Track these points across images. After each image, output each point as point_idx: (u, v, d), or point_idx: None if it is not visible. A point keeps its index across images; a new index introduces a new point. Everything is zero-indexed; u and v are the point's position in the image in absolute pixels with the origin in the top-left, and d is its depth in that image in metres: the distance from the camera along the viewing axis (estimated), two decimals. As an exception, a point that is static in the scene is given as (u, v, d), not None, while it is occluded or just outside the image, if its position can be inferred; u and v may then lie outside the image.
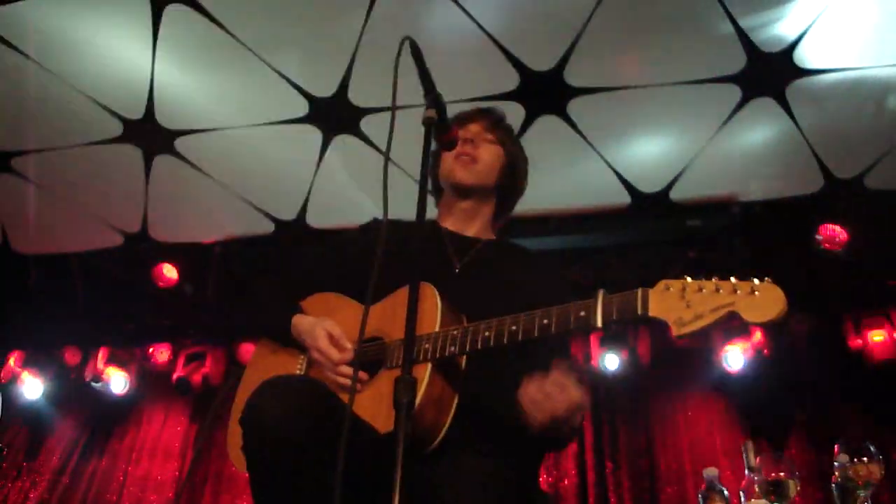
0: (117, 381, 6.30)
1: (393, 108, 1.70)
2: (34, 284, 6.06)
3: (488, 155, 2.29)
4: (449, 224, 2.30)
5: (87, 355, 6.43)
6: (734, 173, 5.11)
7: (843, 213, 5.16)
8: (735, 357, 5.48)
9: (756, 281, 1.55)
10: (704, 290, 1.59)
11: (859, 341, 5.45)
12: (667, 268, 1.51)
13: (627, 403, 5.82)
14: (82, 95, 4.77)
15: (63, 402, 6.51)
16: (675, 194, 5.23)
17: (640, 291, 1.65)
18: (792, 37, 4.25)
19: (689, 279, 1.61)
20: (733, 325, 5.45)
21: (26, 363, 6.33)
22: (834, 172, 5.02)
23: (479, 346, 1.79)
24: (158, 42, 4.45)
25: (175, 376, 6.22)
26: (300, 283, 2.27)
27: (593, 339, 5.77)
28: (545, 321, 1.74)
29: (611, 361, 5.64)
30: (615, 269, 5.28)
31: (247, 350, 5.75)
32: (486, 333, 1.79)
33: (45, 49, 4.52)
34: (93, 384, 6.28)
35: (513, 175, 2.35)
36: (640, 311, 1.63)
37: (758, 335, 5.51)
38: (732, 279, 1.58)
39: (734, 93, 4.58)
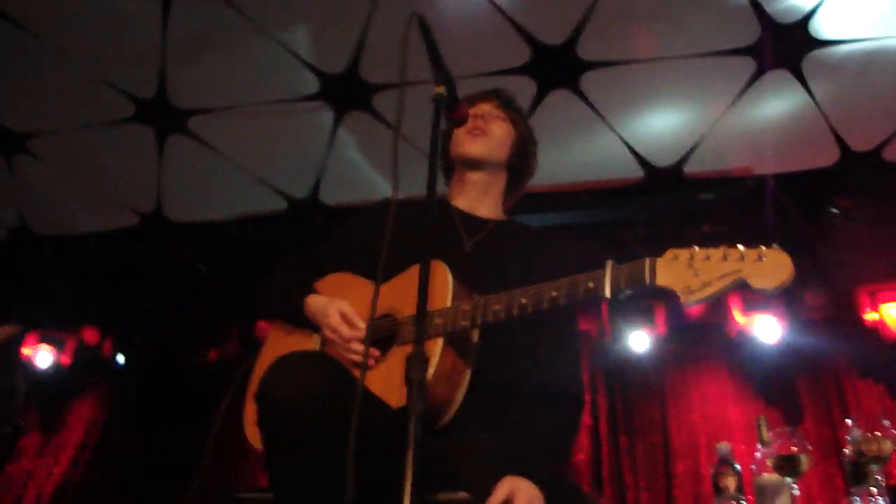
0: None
1: (402, 85, 1.69)
2: (47, 264, 6.12)
3: (499, 130, 2.29)
4: (460, 203, 2.30)
5: (105, 333, 6.51)
6: (749, 147, 5.06)
7: (859, 186, 5.12)
8: (751, 330, 5.48)
9: (763, 247, 1.56)
10: (712, 258, 1.59)
11: (875, 315, 5.43)
12: (680, 242, 1.51)
13: (642, 378, 5.83)
14: (94, 76, 4.78)
15: (82, 379, 6.59)
16: (688, 168, 5.19)
17: (647, 261, 1.66)
18: (808, 7, 4.19)
19: (696, 248, 1.62)
20: (749, 299, 5.44)
21: (41, 342, 6.41)
22: (850, 145, 4.98)
23: (489, 320, 1.80)
24: (169, 21, 4.45)
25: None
26: (314, 263, 2.28)
27: (606, 312, 5.78)
28: (554, 293, 1.75)
29: (626, 336, 5.67)
30: (628, 244, 5.28)
31: (263, 328, 5.79)
32: (497, 307, 1.80)
33: (56, 29, 4.52)
34: (110, 360, 6.37)
35: (523, 154, 2.34)
36: (648, 281, 1.64)
37: (772, 308, 5.50)
38: (740, 247, 1.58)
39: (749, 65, 4.53)
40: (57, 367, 6.43)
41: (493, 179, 2.31)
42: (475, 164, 2.27)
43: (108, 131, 5.20)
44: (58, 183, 5.68)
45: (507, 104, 2.35)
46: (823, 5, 4.15)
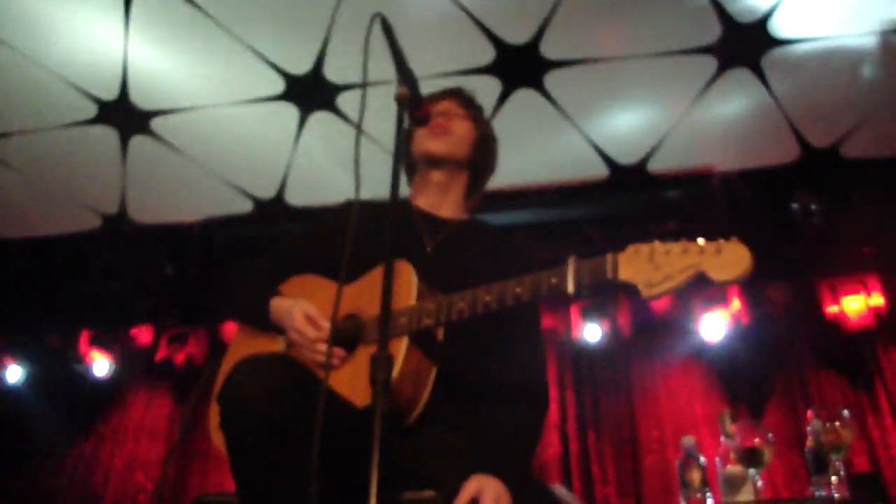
0: (100, 364, 6.31)
1: (364, 86, 1.70)
2: (9, 268, 6.02)
3: (460, 128, 2.29)
4: (422, 203, 2.30)
5: (69, 339, 6.42)
6: (711, 144, 5.14)
7: (818, 181, 5.22)
8: (713, 325, 5.56)
9: (722, 241, 1.59)
10: (672, 252, 1.62)
11: (835, 308, 5.53)
12: (645, 239, 1.53)
13: (608, 373, 5.89)
14: (55, 76, 4.72)
15: (46, 385, 6.50)
16: (652, 166, 5.26)
17: (609, 256, 1.68)
18: (766, 6, 4.26)
19: (657, 242, 1.65)
20: (712, 294, 5.52)
21: (7, 348, 6.31)
22: (810, 142, 5.07)
23: (453, 317, 1.81)
24: (131, 21, 4.41)
25: (157, 357, 6.24)
26: (278, 266, 2.27)
27: (574, 310, 5.82)
28: (518, 289, 1.76)
29: (591, 332, 5.72)
30: (594, 242, 5.32)
31: (229, 330, 5.76)
32: (461, 305, 1.81)
33: (15, 29, 4.46)
34: (75, 367, 6.29)
35: (484, 152, 2.35)
36: (610, 275, 1.66)
37: (736, 303, 5.58)
38: (700, 240, 1.61)
39: (710, 64, 4.60)
40: (27, 375, 6.36)
41: (455, 178, 2.31)
42: (437, 163, 2.28)
43: (70, 133, 5.14)
44: (19, 186, 5.59)
45: (468, 102, 2.36)
46: (782, 5, 4.23)
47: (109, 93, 4.86)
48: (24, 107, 4.95)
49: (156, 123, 5.08)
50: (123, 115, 5.00)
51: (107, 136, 5.17)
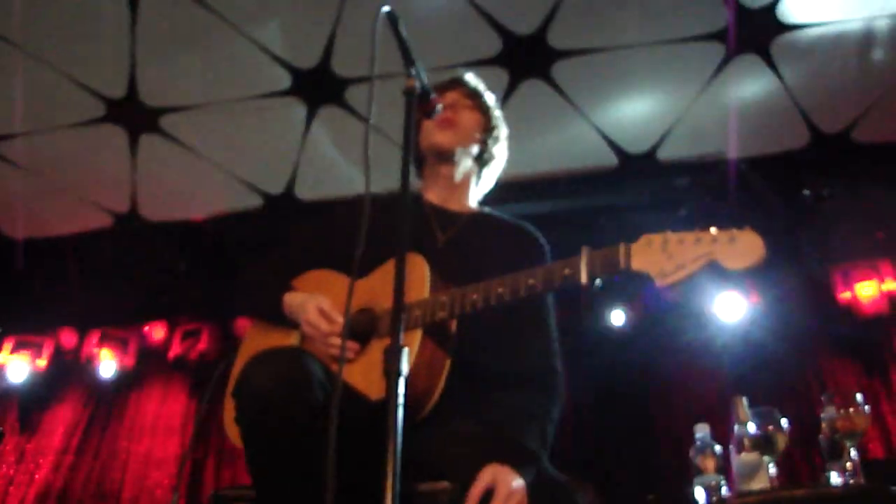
0: (107, 366, 6.35)
1: (372, 80, 1.70)
2: (22, 268, 6.05)
3: (467, 120, 2.29)
4: (432, 196, 2.30)
5: (83, 336, 6.46)
6: (721, 131, 5.12)
7: (829, 167, 5.19)
8: (727, 307, 5.54)
9: (735, 230, 1.59)
10: (685, 242, 1.62)
11: (848, 294, 5.51)
12: (656, 227, 1.53)
13: (623, 360, 5.87)
14: (64, 76, 4.73)
15: (61, 383, 6.54)
16: (662, 154, 5.24)
17: (622, 246, 1.68)
18: (774, -9, 4.24)
19: (670, 232, 1.65)
20: (726, 280, 5.50)
21: (18, 347, 6.33)
22: (820, 127, 5.04)
23: (467, 310, 1.82)
24: (138, 19, 4.42)
25: (171, 354, 6.27)
26: (291, 261, 2.28)
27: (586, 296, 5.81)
28: (531, 281, 1.77)
29: (605, 318, 5.73)
30: (605, 231, 5.32)
31: (243, 325, 5.78)
32: (474, 296, 1.82)
33: (22, 30, 4.47)
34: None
35: (493, 142, 2.35)
36: (623, 265, 1.66)
37: (749, 290, 5.56)
38: (713, 230, 1.61)
39: (718, 50, 4.58)
40: (34, 373, 6.37)
41: (464, 171, 2.31)
42: (445, 156, 2.27)
43: (79, 132, 5.15)
44: (30, 186, 5.62)
45: (474, 92, 2.35)
46: (790, -11, 4.21)
47: (118, 91, 4.87)
48: (32, 107, 4.97)
49: (164, 121, 5.09)
50: (132, 113, 5.02)
51: (116, 134, 5.19)
